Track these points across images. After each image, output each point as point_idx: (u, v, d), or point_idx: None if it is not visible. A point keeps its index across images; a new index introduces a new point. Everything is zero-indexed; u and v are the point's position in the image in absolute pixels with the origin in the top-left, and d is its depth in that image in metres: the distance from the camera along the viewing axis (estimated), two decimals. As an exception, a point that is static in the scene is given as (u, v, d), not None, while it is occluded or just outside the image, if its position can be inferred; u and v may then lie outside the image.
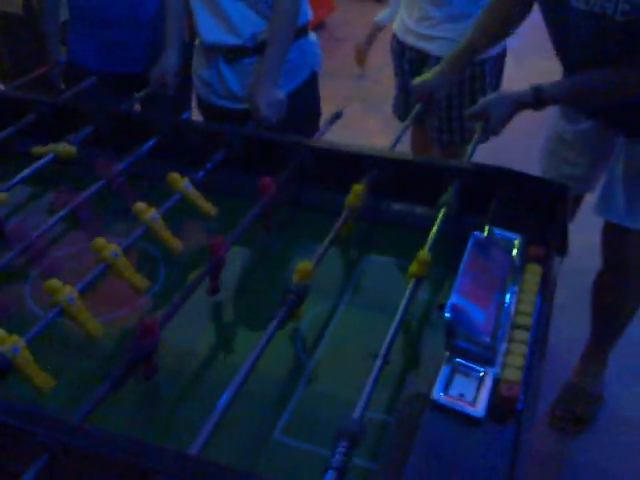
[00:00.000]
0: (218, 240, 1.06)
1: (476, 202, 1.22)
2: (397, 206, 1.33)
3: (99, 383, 0.82)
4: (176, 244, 1.17)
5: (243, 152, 1.39)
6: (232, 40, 1.60)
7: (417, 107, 1.57)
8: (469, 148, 1.39)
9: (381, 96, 2.09)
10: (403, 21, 1.98)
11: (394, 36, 2.04)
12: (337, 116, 1.56)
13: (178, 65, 1.70)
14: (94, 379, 0.97)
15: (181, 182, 1.24)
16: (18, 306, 1.11)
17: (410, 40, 1.96)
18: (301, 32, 1.65)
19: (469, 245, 0.99)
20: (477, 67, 1.86)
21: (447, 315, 0.87)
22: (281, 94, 1.56)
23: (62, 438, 0.71)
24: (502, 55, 1.94)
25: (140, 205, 1.15)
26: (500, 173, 1.24)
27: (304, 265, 1.00)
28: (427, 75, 1.57)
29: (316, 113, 1.79)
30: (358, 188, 1.20)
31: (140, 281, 1.07)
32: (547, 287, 1.02)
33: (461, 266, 0.95)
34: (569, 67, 1.42)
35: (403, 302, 0.96)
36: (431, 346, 1.02)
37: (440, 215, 1.15)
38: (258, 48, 1.60)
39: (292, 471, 0.85)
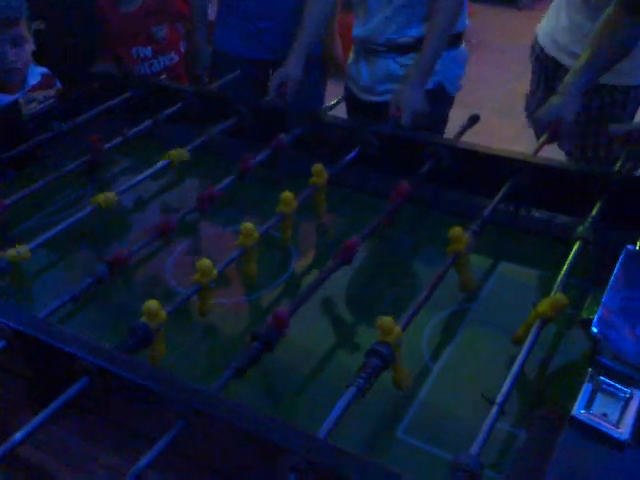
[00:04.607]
0: (353, 242, 1.04)
1: (624, 215, 1.15)
2: (536, 214, 1.27)
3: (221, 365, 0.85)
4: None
5: (378, 149, 1.39)
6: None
7: (545, 136, 1.39)
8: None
9: (514, 103, 1.99)
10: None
11: (540, 47, 1.84)
12: (474, 120, 1.50)
13: (301, 74, 1.67)
14: (216, 360, 1.02)
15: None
16: (158, 280, 1.17)
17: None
18: (453, 41, 1.63)
19: (621, 259, 0.92)
20: (619, 94, 1.70)
21: (594, 329, 0.82)
22: (425, 102, 1.53)
23: (200, 406, 0.74)
24: None
25: (287, 195, 1.17)
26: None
27: (387, 322, 0.85)
28: (553, 100, 1.42)
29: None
30: (457, 231, 1.05)
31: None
32: None
33: (611, 280, 0.89)
34: None
35: (526, 346, 0.88)
36: (571, 362, 0.97)
37: (573, 250, 1.06)
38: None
39: (412, 470, 0.83)
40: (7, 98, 1.56)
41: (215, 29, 2.03)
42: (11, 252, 1.07)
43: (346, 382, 0.82)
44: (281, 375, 0.96)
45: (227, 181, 1.29)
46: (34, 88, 1.62)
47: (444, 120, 1.78)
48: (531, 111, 1.94)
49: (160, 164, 1.35)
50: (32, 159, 1.41)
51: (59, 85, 1.70)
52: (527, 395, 0.93)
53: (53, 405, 0.78)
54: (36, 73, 1.65)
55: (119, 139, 1.44)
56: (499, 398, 0.80)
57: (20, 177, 1.37)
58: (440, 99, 1.70)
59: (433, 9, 1.56)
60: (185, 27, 2.13)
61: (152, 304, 0.88)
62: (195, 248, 1.29)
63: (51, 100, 1.59)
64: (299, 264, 1.21)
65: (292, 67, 1.66)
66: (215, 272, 1.00)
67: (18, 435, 0.74)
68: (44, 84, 1.64)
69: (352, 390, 0.81)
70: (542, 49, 1.84)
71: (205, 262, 0.98)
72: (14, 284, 1.11)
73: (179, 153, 1.37)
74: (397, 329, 0.86)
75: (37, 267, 1.18)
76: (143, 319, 0.88)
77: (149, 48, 1.98)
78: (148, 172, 1.33)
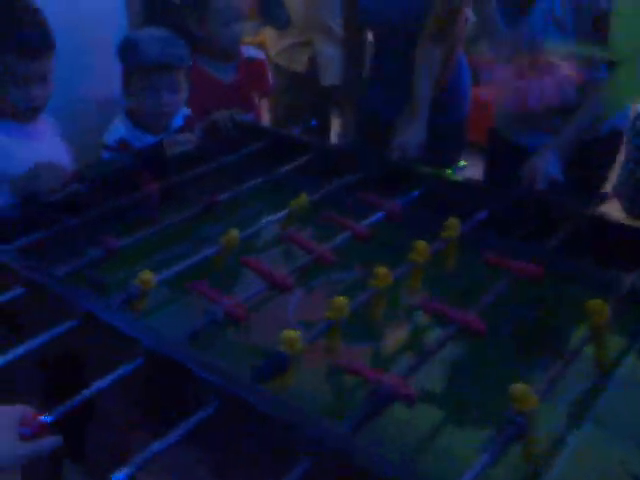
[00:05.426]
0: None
1: None
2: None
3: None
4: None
5: (506, 213, 1.37)
6: None
7: None
8: None
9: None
10: None
11: None
12: (602, 198, 1.45)
13: (422, 138, 1.66)
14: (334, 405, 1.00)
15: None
16: (278, 317, 1.18)
17: None
18: None
19: None
20: None
21: None
22: (560, 171, 1.47)
23: (334, 445, 0.72)
24: None
25: (421, 244, 1.19)
26: None
27: (522, 391, 0.82)
28: None
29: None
30: (596, 304, 1.01)
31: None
32: None
33: None
34: None
35: None
36: None
37: None
38: None
39: None
40: (152, 139, 1.66)
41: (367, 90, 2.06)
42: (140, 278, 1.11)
43: (472, 450, 0.79)
44: (400, 435, 0.93)
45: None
46: (177, 131, 1.71)
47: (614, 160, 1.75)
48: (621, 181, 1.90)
49: (283, 212, 1.39)
50: (171, 197, 1.48)
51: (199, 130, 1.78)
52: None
53: (182, 428, 0.79)
54: (180, 116, 1.75)
55: (251, 184, 1.51)
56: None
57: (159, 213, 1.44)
58: (614, 139, 1.69)
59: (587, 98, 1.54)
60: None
61: (291, 333, 0.90)
62: (316, 294, 1.30)
63: (191, 144, 1.67)
64: (424, 317, 1.19)
65: (412, 132, 1.66)
66: (348, 310, 1.00)
67: (142, 457, 0.74)
68: (187, 126, 1.73)
69: (485, 457, 0.77)
70: None
71: (340, 299, 1.00)
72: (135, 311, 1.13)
73: (303, 201, 1.41)
74: (533, 399, 0.82)
75: (158, 300, 1.20)
76: (281, 347, 0.90)
77: (251, 115, 1.98)
78: (273, 217, 1.38)
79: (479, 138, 1.97)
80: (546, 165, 1.46)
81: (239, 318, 1.05)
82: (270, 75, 2.14)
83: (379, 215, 1.37)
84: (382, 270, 1.09)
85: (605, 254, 1.25)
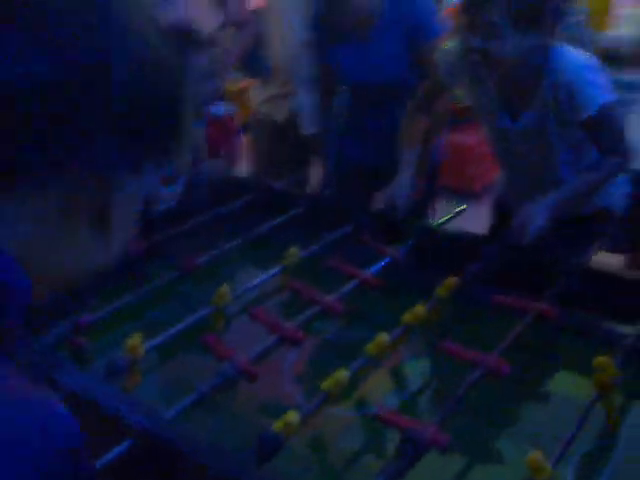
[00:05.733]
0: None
1: None
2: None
3: None
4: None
5: (499, 267, 1.35)
6: None
7: None
8: None
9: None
10: None
11: None
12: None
13: (411, 189, 1.65)
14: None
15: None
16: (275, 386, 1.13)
17: None
18: None
19: None
20: None
21: None
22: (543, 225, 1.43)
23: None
24: None
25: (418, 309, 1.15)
26: None
27: (538, 460, 0.80)
28: None
29: None
30: (603, 361, 0.97)
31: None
32: None
33: None
34: None
35: None
36: None
37: None
38: None
39: None
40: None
41: (342, 139, 2.08)
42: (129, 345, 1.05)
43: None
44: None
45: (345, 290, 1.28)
46: (164, 180, 1.68)
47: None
48: None
49: (275, 269, 1.37)
50: (154, 255, 1.44)
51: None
52: None
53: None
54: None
55: (239, 241, 1.47)
56: None
57: (144, 273, 1.39)
58: (605, 220, 1.63)
59: (596, 164, 1.52)
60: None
61: (292, 415, 0.85)
62: (312, 355, 1.26)
63: (174, 201, 1.65)
64: (414, 382, 1.16)
65: (399, 183, 1.65)
66: (344, 383, 0.96)
67: None
68: (173, 177, 1.70)
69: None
70: None
71: (341, 373, 0.95)
72: (128, 382, 1.08)
73: (294, 255, 1.38)
74: (549, 468, 0.79)
75: (151, 365, 1.16)
76: (276, 427, 0.84)
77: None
78: (264, 276, 1.35)
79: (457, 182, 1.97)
80: (533, 217, 1.44)
81: (252, 376, 1.01)
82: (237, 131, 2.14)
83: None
84: (383, 337, 1.06)
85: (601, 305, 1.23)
